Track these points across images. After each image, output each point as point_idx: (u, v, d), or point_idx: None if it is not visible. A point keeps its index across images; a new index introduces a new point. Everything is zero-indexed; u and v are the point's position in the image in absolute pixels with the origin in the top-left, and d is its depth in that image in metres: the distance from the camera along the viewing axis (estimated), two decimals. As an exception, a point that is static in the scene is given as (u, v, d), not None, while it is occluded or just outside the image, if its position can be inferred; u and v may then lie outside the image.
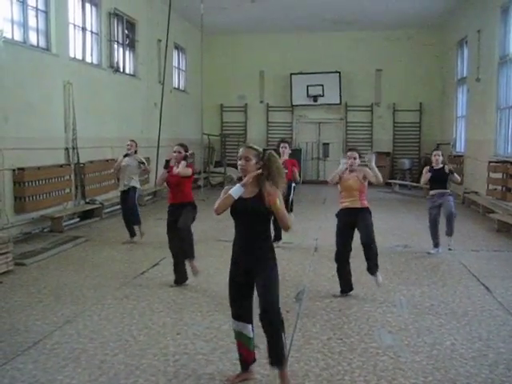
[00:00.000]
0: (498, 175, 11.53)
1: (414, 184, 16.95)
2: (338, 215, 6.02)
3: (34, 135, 9.27)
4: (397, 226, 10.14)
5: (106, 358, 4.21)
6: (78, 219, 10.61)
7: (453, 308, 5.54)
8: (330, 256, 7.75)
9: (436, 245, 8.03)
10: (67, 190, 10.32)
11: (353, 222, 5.84)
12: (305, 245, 8.51)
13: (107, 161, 11.90)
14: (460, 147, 16.29)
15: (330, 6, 15.84)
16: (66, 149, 10.43)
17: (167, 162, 6.34)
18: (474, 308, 5.53)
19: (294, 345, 4.50)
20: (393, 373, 3.99)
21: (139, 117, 14.03)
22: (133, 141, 8.96)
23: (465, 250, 8.04)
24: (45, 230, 9.54)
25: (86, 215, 10.80)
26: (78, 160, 10.65)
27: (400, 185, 17.36)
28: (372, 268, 5.85)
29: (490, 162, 12.13)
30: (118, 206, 12.10)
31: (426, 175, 8.03)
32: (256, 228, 3.72)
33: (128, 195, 8.76)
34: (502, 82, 12.63)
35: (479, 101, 14.01)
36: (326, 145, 19.80)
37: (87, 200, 10.97)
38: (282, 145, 8.69)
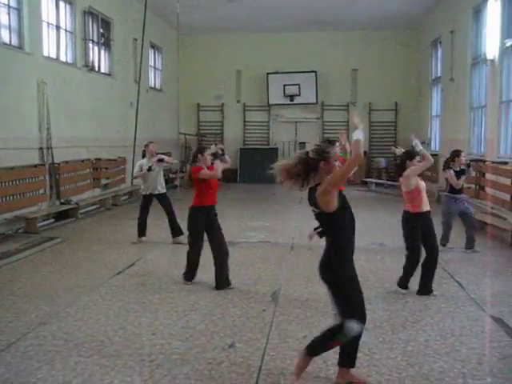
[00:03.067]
0: (472, 174, 11.67)
1: (390, 182, 17.12)
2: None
3: (7, 135, 9.14)
4: (373, 224, 10.22)
5: (81, 360, 4.17)
6: (53, 220, 10.48)
7: (427, 304, 5.61)
8: (306, 255, 7.83)
9: (444, 245, 8.12)
10: (42, 191, 10.18)
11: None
12: (281, 244, 8.52)
13: (82, 161, 11.79)
14: (435, 146, 16.51)
15: (306, 6, 15.91)
16: (41, 148, 10.29)
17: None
18: (448, 304, 5.61)
19: (270, 343, 4.52)
20: (367, 370, 4.03)
21: (115, 116, 13.91)
22: (152, 142, 8.78)
23: (439, 247, 8.11)
24: (19, 231, 9.40)
25: (61, 216, 10.66)
26: (53, 160, 10.51)
27: (376, 183, 17.52)
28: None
29: (463, 160, 12.29)
30: (94, 207, 12.05)
31: (455, 178, 7.90)
32: (324, 231, 3.77)
33: (164, 201, 8.58)
34: (475, 82, 12.84)
35: (453, 100, 14.22)
36: (302, 144, 19.85)
37: (62, 200, 10.84)
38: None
